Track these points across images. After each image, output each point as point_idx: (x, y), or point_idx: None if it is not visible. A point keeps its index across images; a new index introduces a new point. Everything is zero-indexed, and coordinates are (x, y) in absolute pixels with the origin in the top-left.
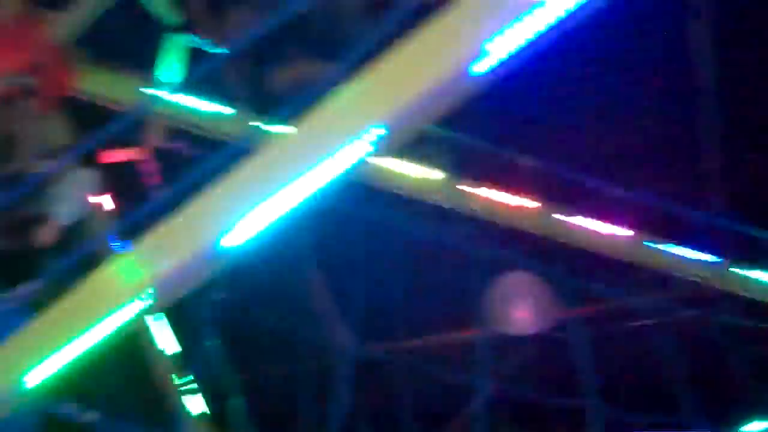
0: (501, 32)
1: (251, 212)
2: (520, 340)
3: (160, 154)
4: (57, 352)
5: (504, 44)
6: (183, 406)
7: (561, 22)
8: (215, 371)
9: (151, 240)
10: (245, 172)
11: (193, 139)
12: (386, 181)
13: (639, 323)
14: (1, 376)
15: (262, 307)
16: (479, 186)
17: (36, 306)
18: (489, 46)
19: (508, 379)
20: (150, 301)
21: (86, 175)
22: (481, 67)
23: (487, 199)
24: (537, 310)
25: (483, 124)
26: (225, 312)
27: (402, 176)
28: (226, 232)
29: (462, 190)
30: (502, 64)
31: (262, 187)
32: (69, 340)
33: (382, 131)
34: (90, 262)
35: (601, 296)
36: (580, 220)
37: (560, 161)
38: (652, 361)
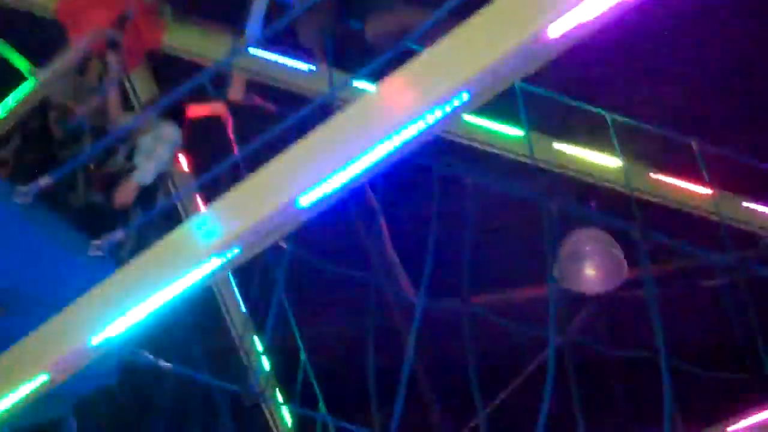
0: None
1: (331, 173)
2: (591, 297)
3: (242, 110)
4: (136, 306)
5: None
6: (251, 359)
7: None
8: (283, 325)
9: (230, 198)
10: (327, 132)
11: (275, 95)
12: (470, 136)
13: (713, 282)
14: (80, 329)
15: (330, 263)
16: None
17: (119, 257)
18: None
19: (579, 334)
20: (226, 258)
21: (169, 131)
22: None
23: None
24: (608, 267)
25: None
26: (293, 266)
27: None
28: (305, 191)
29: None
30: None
31: (343, 148)
32: (149, 294)
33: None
34: (170, 216)
35: (675, 254)
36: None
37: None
38: (725, 320)
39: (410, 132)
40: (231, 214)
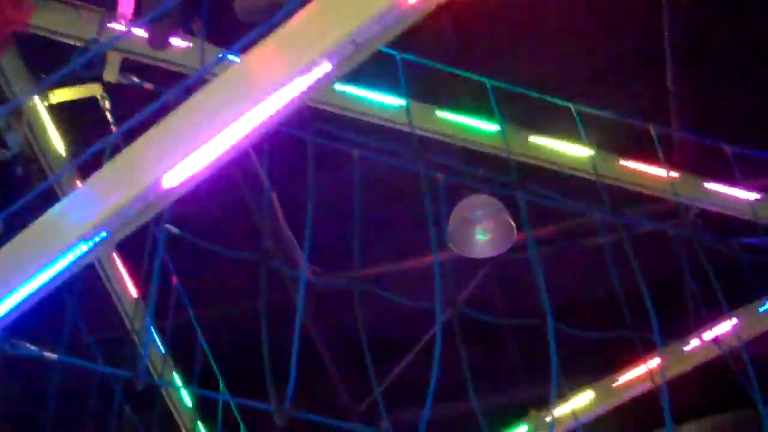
0: None
1: (199, 147)
2: (479, 263)
3: (117, 89)
4: (12, 293)
5: None
6: (144, 344)
7: None
8: (175, 307)
9: (101, 177)
10: (193, 106)
11: (150, 73)
12: (346, 106)
13: (596, 240)
14: None
15: (217, 243)
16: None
17: None
18: None
19: (467, 302)
20: (93, 243)
21: None
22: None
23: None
24: (498, 231)
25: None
26: (179, 247)
27: (361, 101)
28: (171, 168)
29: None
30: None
31: (209, 122)
32: (25, 280)
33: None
34: (43, 200)
35: (559, 215)
36: (541, 139)
37: (527, 78)
38: (609, 279)
39: (275, 102)
40: (95, 198)
